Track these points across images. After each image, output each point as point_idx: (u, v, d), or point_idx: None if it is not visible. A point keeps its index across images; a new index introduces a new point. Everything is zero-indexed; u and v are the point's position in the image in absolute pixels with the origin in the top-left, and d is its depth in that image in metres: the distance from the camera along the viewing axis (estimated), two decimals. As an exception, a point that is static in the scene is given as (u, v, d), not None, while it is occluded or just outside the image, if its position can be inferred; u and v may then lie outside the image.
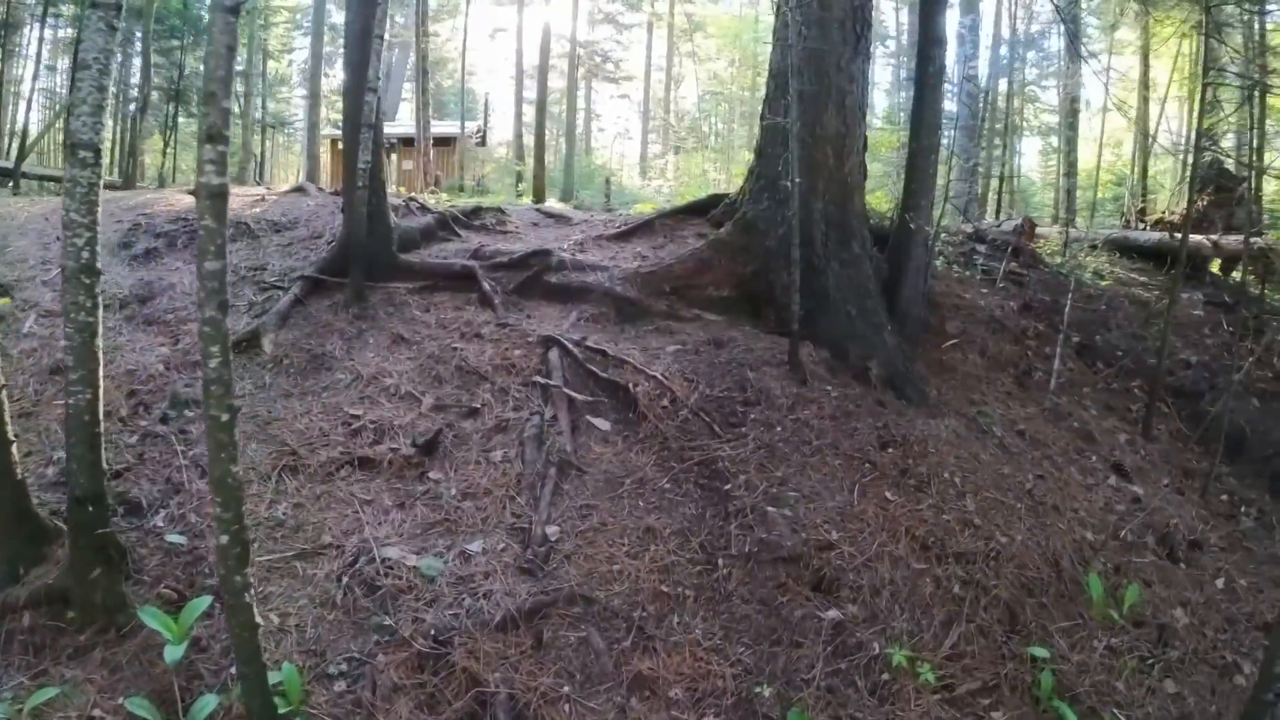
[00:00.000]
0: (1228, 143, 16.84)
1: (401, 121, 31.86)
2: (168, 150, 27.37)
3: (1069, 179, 23.56)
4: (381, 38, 8.99)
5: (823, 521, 5.79)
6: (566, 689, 4.60)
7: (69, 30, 25.56)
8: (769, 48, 10.24)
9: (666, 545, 5.59)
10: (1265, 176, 13.08)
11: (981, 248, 12.16)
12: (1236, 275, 12.57)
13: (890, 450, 6.70)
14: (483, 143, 35.32)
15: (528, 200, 21.62)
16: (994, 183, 23.04)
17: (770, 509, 5.83)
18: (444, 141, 29.40)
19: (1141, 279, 12.32)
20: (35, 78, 23.92)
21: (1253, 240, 11.17)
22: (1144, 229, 14.88)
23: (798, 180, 7.49)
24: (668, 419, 6.72)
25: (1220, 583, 6.67)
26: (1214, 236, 12.16)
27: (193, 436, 6.49)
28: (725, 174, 29.39)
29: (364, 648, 4.76)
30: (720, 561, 5.52)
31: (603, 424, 6.75)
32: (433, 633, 4.78)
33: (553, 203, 20.39)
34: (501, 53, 44.80)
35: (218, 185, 2.98)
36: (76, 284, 4.67)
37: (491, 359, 7.52)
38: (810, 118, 8.45)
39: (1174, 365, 9.72)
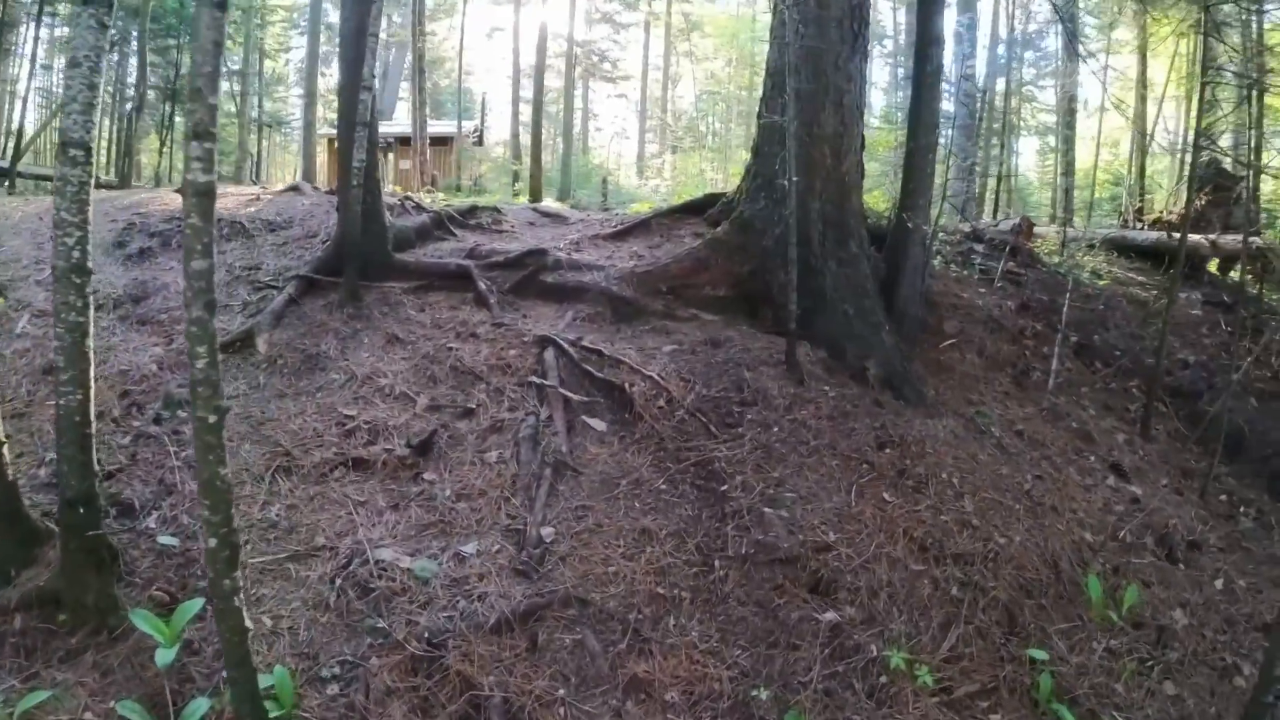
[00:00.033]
0: (1225, 142, 16.79)
1: (398, 121, 31.82)
2: (164, 149, 27.31)
3: (1066, 178, 23.53)
4: (376, 36, 8.94)
5: (820, 523, 5.76)
6: (561, 692, 4.56)
7: (65, 29, 25.50)
8: (766, 47, 10.20)
9: (662, 547, 5.56)
10: (1263, 176, 13.04)
11: (979, 247, 12.12)
12: (1234, 275, 12.54)
13: (888, 451, 6.66)
14: (480, 142, 35.28)
15: (524, 200, 21.59)
16: (991, 182, 23.02)
17: (767, 510, 5.79)
18: (441, 141, 29.33)
19: (1139, 278, 12.29)
20: (31, 76, 23.84)
21: (1251, 240, 11.14)
22: (1142, 228, 14.86)
23: (795, 179, 7.45)
24: (664, 419, 6.69)
25: (1219, 583, 6.63)
26: (1212, 236, 12.14)
27: (185, 437, 6.43)
28: (722, 173, 29.36)
29: (357, 650, 4.72)
30: (717, 563, 5.48)
31: (598, 424, 6.71)
32: (426, 635, 4.74)
33: (549, 202, 20.36)
34: (499, 52, 44.99)
35: (205, 183, 2.94)
36: (67, 284, 4.63)
37: (487, 359, 7.48)
38: (807, 116, 8.41)
39: (1172, 365, 9.70)
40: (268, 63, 38.54)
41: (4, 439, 4.99)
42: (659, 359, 7.46)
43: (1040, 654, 5.20)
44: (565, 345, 7.48)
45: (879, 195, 14.74)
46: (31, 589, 4.76)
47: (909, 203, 9.04)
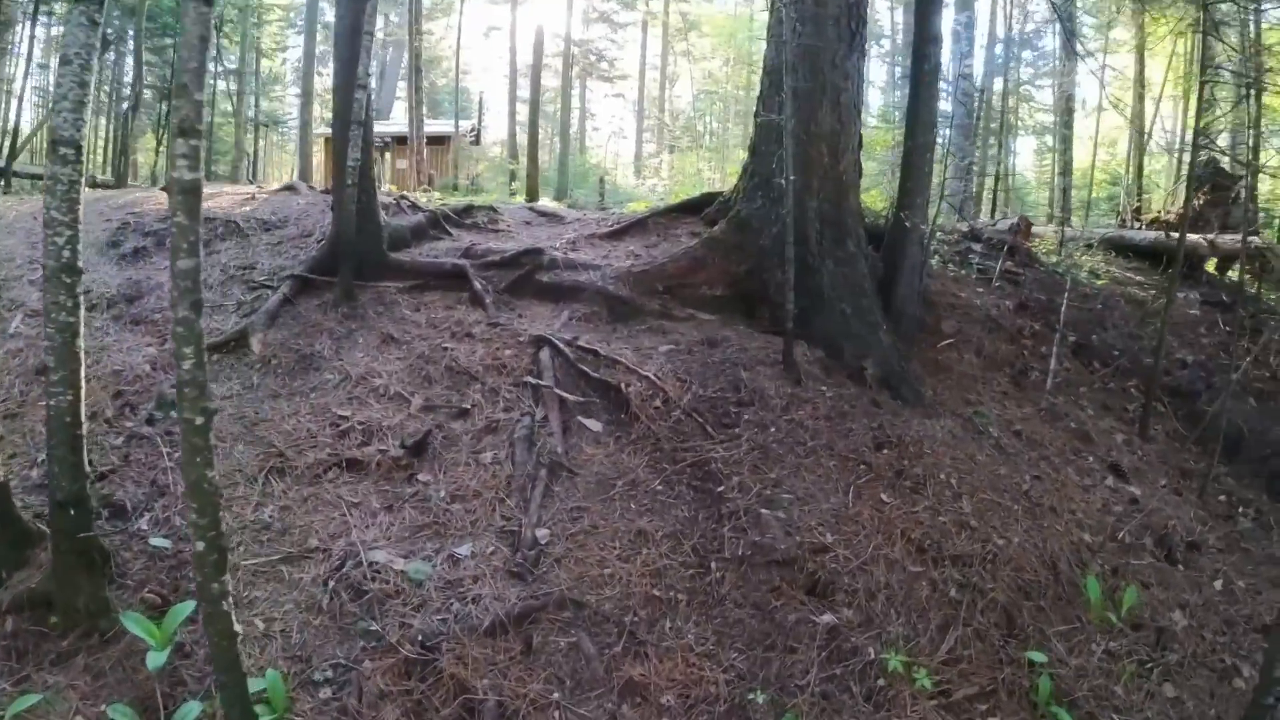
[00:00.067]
0: (1222, 142, 16.78)
1: (396, 120, 31.78)
2: (160, 149, 27.29)
3: (1064, 178, 23.50)
4: (371, 34, 8.90)
5: (817, 524, 5.72)
6: (556, 695, 4.53)
7: (61, 28, 25.44)
8: (764, 46, 10.16)
9: (658, 548, 5.52)
10: (1260, 175, 13.03)
11: (977, 246, 12.09)
12: (1232, 274, 12.53)
13: (885, 451, 6.63)
14: (477, 141, 35.21)
15: (521, 199, 21.52)
16: (989, 181, 23.00)
17: (764, 511, 5.75)
18: (438, 140, 29.28)
19: (1138, 278, 12.26)
20: (27, 76, 23.74)
21: (1249, 239, 11.12)
22: (1140, 228, 14.84)
23: (792, 178, 7.41)
24: (660, 420, 6.65)
25: (1219, 584, 6.61)
26: (1210, 235, 12.12)
27: (179, 438, 6.37)
28: (720, 173, 29.28)
29: (350, 654, 4.69)
30: (713, 565, 5.45)
31: (594, 425, 6.67)
32: (420, 638, 4.71)
33: (546, 201, 20.28)
34: (496, 51, 44.92)
35: (191, 180, 2.89)
36: (57, 283, 4.59)
37: (482, 359, 7.44)
38: (805, 115, 8.39)
39: (1170, 365, 9.68)
40: (264, 62, 38.52)
41: (-4, 440, 4.95)
42: (655, 359, 7.42)
43: (1039, 656, 5.17)
44: (561, 345, 7.44)
45: (876, 194, 14.71)
46: (23, 591, 4.74)
47: (907, 202, 9.01)
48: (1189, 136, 11.88)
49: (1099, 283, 11.71)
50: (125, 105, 24.18)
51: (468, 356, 7.47)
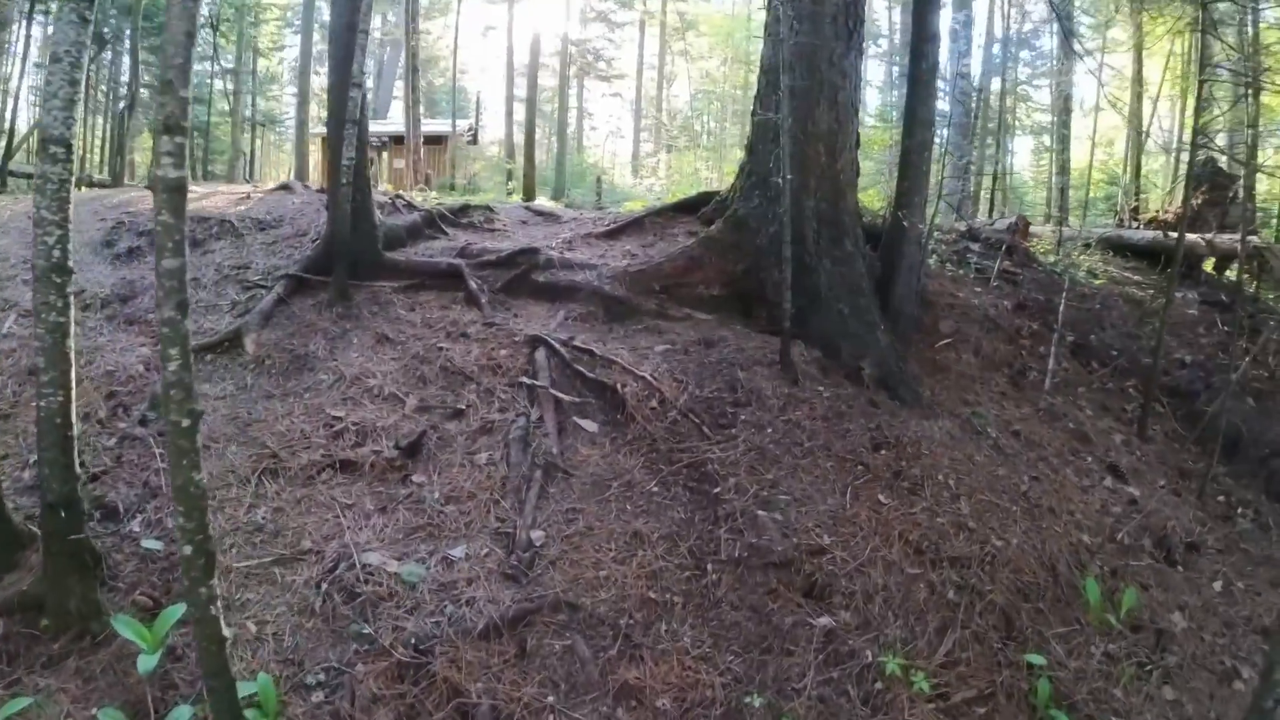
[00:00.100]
0: (1220, 141, 16.76)
1: (393, 120, 31.75)
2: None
3: (1062, 177, 23.51)
4: (366, 32, 8.83)
5: (814, 525, 5.68)
6: (551, 699, 4.49)
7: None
8: (761, 45, 10.13)
9: (654, 550, 5.47)
10: (1258, 174, 13.01)
11: (975, 246, 12.06)
12: (1230, 274, 12.51)
13: (883, 452, 6.59)
14: (474, 141, 35.19)
15: (518, 198, 21.50)
16: (987, 181, 22.98)
17: (761, 513, 5.72)
18: (435, 140, 29.26)
19: (1136, 278, 12.24)
20: (23, 75, 23.68)
21: (1248, 238, 11.09)
22: (1138, 228, 14.80)
23: (789, 177, 7.37)
24: (656, 420, 6.61)
25: (1218, 586, 6.59)
26: (1208, 235, 12.09)
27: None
28: (717, 172, 29.28)
29: (343, 657, 4.63)
30: (709, 567, 5.41)
31: (590, 425, 6.63)
32: (413, 641, 4.66)
33: (543, 201, 20.27)
34: (493, 50, 44.68)
35: (175, 179, 2.85)
36: (47, 283, 4.55)
37: (477, 359, 7.39)
38: (802, 114, 8.35)
39: (1169, 365, 9.65)
40: (262, 61, 38.52)
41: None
42: (652, 359, 7.38)
43: (1038, 659, 5.13)
44: (557, 345, 7.40)
45: (874, 194, 14.70)
46: (14, 594, 4.68)
47: (904, 201, 8.98)
48: (1187, 136, 11.87)
49: (1097, 282, 11.68)
50: (121, 104, 24.17)
51: (463, 356, 7.42)
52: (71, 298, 4.70)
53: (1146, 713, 5.15)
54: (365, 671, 4.51)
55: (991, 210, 21.11)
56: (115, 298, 8.70)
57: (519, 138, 30.40)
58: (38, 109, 28.92)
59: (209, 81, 33.75)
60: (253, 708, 4.11)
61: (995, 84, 23.78)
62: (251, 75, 36.37)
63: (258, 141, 39.45)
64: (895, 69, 34.03)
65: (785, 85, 7.55)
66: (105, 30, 24.89)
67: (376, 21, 37.19)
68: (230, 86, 33.66)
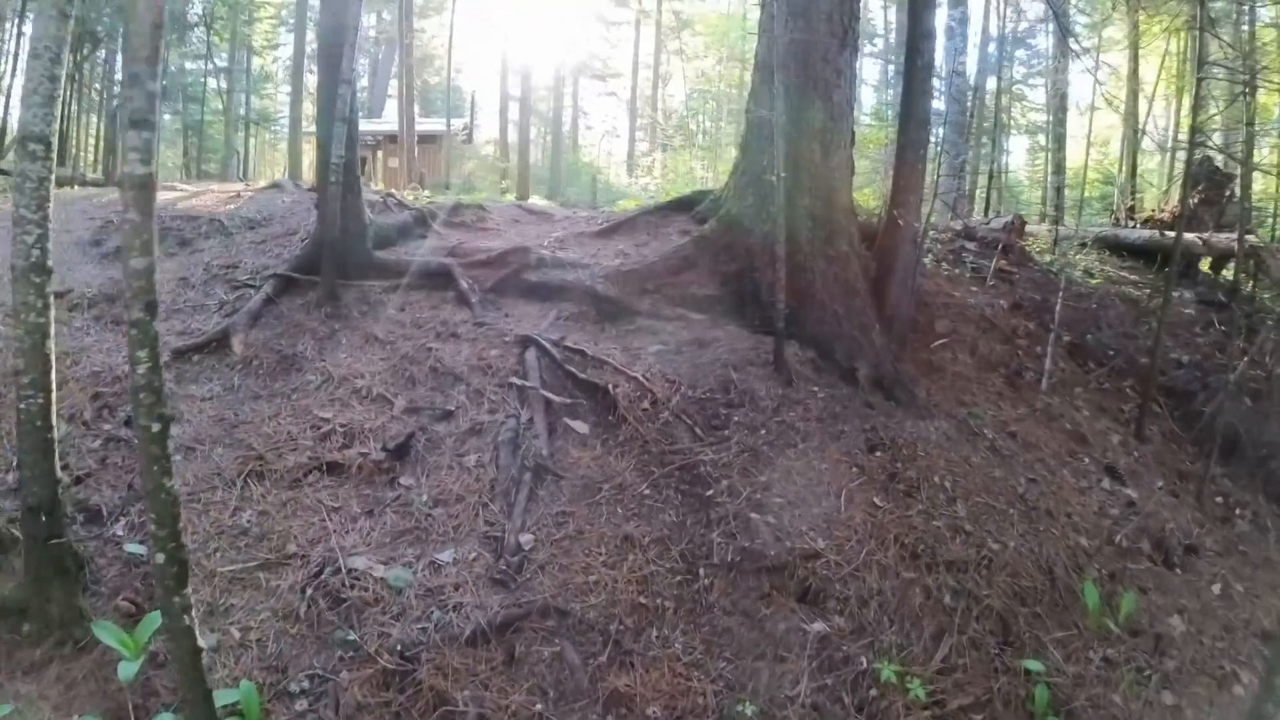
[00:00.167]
0: (1216, 140, 16.74)
1: (388, 119, 31.72)
2: (151, 147, 27.11)
3: (1057, 177, 23.52)
4: (356, 29, 8.75)
5: (808, 529, 5.60)
6: (539, 707, 4.41)
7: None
8: (756, 42, 10.06)
9: (645, 554, 5.39)
10: (1254, 173, 12.96)
11: (971, 245, 12.00)
12: (1227, 273, 12.47)
13: (878, 453, 6.52)
14: (469, 140, 35.17)
15: (512, 197, 21.43)
16: (982, 180, 22.95)
17: (754, 516, 5.64)
18: (430, 139, 29.22)
19: (1132, 277, 12.20)
20: (14, 74, 23.59)
21: (1244, 238, 11.06)
22: (1134, 227, 14.76)
23: (783, 175, 7.30)
24: (648, 421, 6.51)
25: (1217, 588, 6.54)
26: (1205, 234, 12.04)
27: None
28: (712, 172, 29.24)
29: (327, 664, 4.55)
30: (701, 571, 5.32)
31: (581, 427, 6.55)
32: (399, 648, 4.58)
33: (536, 200, 20.22)
34: (489, 49, 44.66)
35: (142, 175, 2.76)
36: (26, 283, 4.49)
37: (467, 359, 7.31)
38: (796, 111, 8.25)
39: (1166, 365, 9.58)
40: (256, 60, 38.45)
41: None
42: (644, 359, 7.29)
43: (1035, 665, 5.06)
44: (548, 345, 7.31)
45: (869, 193, 14.61)
46: (-5, 599, 4.61)
47: (900, 200, 8.91)
48: (1183, 135, 11.82)
49: (1093, 282, 11.65)
50: (115, 103, 24.07)
51: (452, 357, 7.34)
52: (51, 298, 4.64)
53: (1146, 719, 5.08)
54: (350, 679, 4.44)
55: (987, 209, 21.07)
56: (103, 297, 8.60)
57: (514, 137, 30.38)
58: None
59: (202, 81, 33.74)
60: (234, 716, 4.04)
61: (991, 83, 23.76)
62: (246, 74, 36.32)
63: (252, 140, 39.40)
64: (890, 67, 33.99)
65: (779, 83, 7.47)
66: (99, 29, 24.79)
67: (371, 20, 37.22)
68: (224, 85, 33.61)
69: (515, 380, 6.95)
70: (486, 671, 4.52)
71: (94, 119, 28.01)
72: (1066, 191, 22.91)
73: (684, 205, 11.30)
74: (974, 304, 9.89)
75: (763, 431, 6.49)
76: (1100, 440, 8.21)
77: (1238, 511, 7.87)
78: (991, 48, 23.96)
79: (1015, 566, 5.72)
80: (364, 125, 28.93)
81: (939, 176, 11.08)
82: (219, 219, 10.95)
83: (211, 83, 33.96)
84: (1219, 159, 12.70)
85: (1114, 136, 26.62)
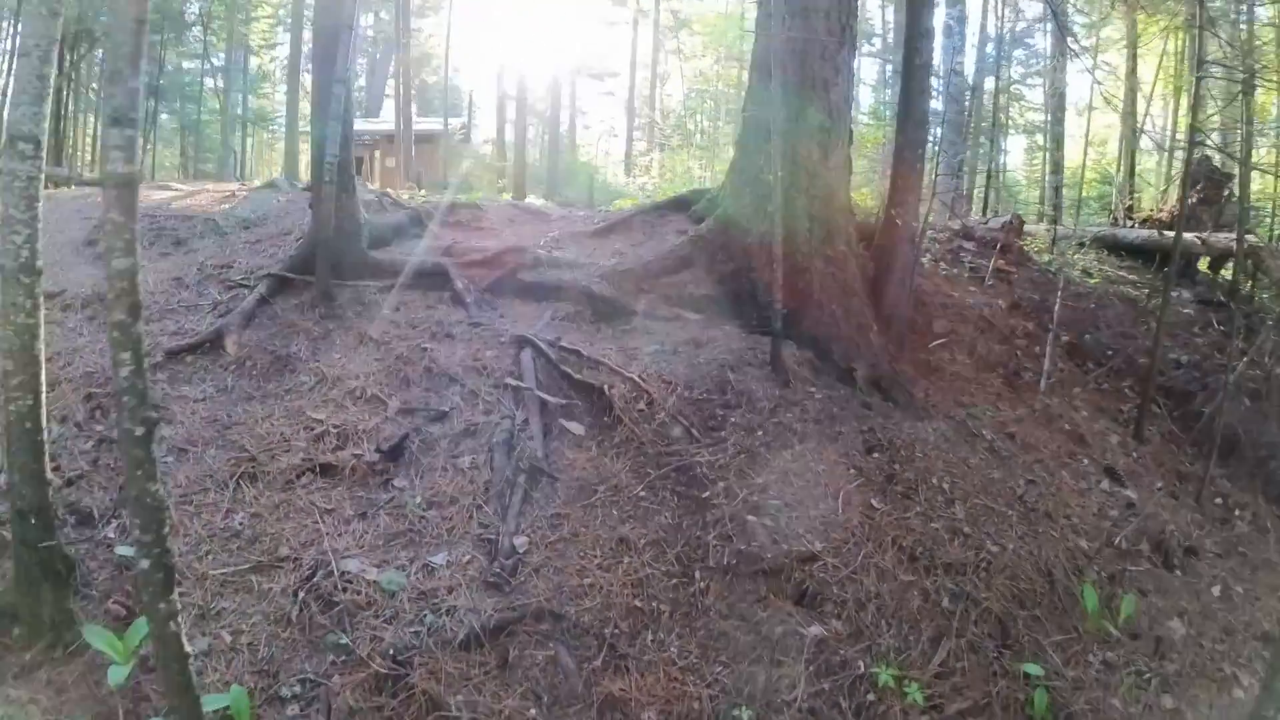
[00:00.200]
0: (1214, 139, 16.71)
1: (385, 118, 31.64)
2: (148, 147, 27.18)
3: (1055, 176, 23.50)
4: (351, 28, 8.70)
5: (805, 531, 5.56)
6: (533, 712, 4.37)
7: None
8: (753, 41, 10.02)
9: (641, 557, 5.34)
10: (1252, 173, 12.91)
11: (969, 245, 11.97)
12: (1225, 273, 12.44)
13: (876, 455, 6.48)
14: (467, 139, 35.08)
15: (508, 196, 21.37)
16: (980, 179, 22.93)
17: (750, 518, 5.60)
18: (427, 138, 29.14)
19: (1131, 277, 12.17)
20: (9, 73, 23.51)
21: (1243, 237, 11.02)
22: (1132, 226, 14.73)
23: (780, 174, 7.27)
24: (644, 422, 6.48)
25: (1216, 590, 6.50)
26: (1203, 234, 12.01)
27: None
28: (710, 171, 29.15)
29: (319, 668, 4.50)
30: (697, 574, 5.28)
31: (576, 428, 6.50)
32: (391, 652, 4.52)
33: (532, 199, 20.14)
34: (487, 49, 44.58)
35: (125, 174, 2.71)
36: (15, 284, 4.42)
37: (462, 360, 7.26)
38: (793, 110, 8.22)
39: (1164, 365, 9.55)
40: (254, 59, 38.37)
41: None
42: (640, 360, 7.25)
43: (1035, 669, 5.01)
44: (543, 346, 7.27)
45: (867, 193, 14.59)
46: (-15, 602, 4.56)
47: (897, 199, 8.89)
48: (1180, 134, 11.79)
49: (1092, 281, 11.62)
50: (110, 103, 23.98)
51: (447, 357, 7.29)
52: (41, 298, 4.57)
53: (1145, 723, 5.05)
54: (342, 683, 4.38)
55: (985, 209, 21.05)
56: (96, 298, 8.52)
57: (511, 136, 30.32)
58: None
59: (199, 80, 33.70)
60: (225, 720, 3.99)
61: (989, 82, 23.73)
62: (243, 73, 36.25)
63: (249, 140, 39.35)
64: (888, 67, 33.92)
65: (777, 81, 7.44)
66: (95, 28, 24.72)
67: (369, 19, 37.15)
68: (221, 84, 33.55)
69: (510, 381, 6.90)
70: (480, 676, 4.47)
71: (90, 119, 27.93)
72: (1065, 191, 22.89)
73: (681, 205, 11.26)
74: (972, 304, 9.86)
75: (759, 432, 6.45)
76: (1099, 441, 8.18)
77: (1237, 513, 7.84)
78: (989, 47, 23.95)
79: (1014, 569, 5.68)
80: (361, 125, 28.91)
81: (937, 176, 11.04)
82: (214, 219, 10.90)
83: (209, 82, 33.92)
84: (1217, 158, 12.68)
85: (1112, 136, 26.61)
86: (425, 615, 4.77)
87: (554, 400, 6.70)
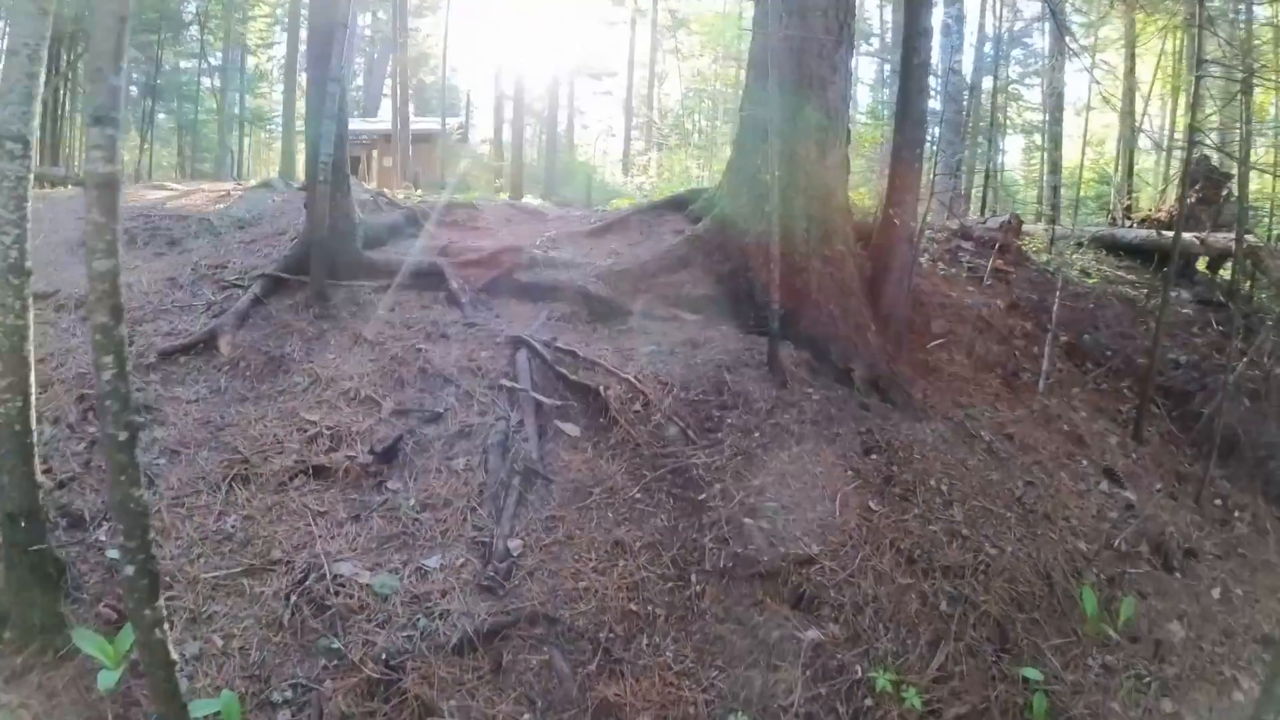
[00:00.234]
0: (1213, 139, 16.68)
1: (383, 118, 31.62)
2: (145, 146, 27.20)
3: (1053, 176, 23.48)
4: (345, 26, 8.66)
5: (802, 534, 5.51)
6: (527, 717, 4.33)
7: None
8: (751, 40, 9.98)
9: (636, 560, 5.30)
10: (1251, 172, 12.87)
11: (967, 245, 11.92)
12: (1224, 273, 12.41)
13: (874, 456, 6.43)
14: (465, 139, 35.06)
15: (505, 196, 21.35)
16: (979, 179, 22.90)
17: (747, 520, 5.55)
18: (425, 138, 29.13)
19: (1129, 277, 12.14)
20: None
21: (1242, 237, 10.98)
22: (1131, 226, 14.70)
23: (777, 174, 7.21)
24: (640, 424, 6.43)
25: (1216, 592, 6.46)
26: (1202, 234, 11.97)
27: (142, 444, 6.11)
28: (708, 171, 29.18)
29: (311, 673, 4.45)
30: (693, 577, 5.23)
31: (571, 429, 6.45)
32: (384, 656, 4.48)
33: (529, 199, 20.11)
34: (485, 48, 44.53)
35: (106, 174, 2.66)
36: (4, 285, 4.36)
37: (457, 360, 7.21)
38: (791, 109, 8.17)
39: (1163, 365, 9.51)
40: (250, 59, 38.32)
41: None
42: (636, 360, 7.21)
43: (1033, 673, 4.96)
44: (538, 346, 7.22)
45: (865, 193, 14.55)
46: (-26, 607, 4.51)
47: (895, 199, 8.84)
48: (1179, 134, 11.75)
49: (1090, 281, 11.59)
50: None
51: (442, 358, 7.24)
52: (30, 299, 4.51)
53: (1145, 727, 5.01)
54: (334, 688, 4.34)
55: (983, 209, 21.02)
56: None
57: (509, 136, 30.27)
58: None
59: (197, 79, 33.68)
60: (215, 726, 3.95)
61: (987, 82, 23.69)
62: (240, 72, 36.22)
63: (247, 139, 39.32)
64: (886, 66, 33.91)
65: (774, 80, 7.38)
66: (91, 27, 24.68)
67: (367, 19, 37.14)
68: (218, 84, 33.52)
69: (505, 382, 6.86)
70: (473, 680, 4.43)
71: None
72: (1063, 191, 22.86)
73: (678, 204, 11.24)
74: (971, 304, 9.81)
75: (756, 434, 6.40)
76: (1098, 442, 8.13)
77: (1236, 514, 7.79)
78: (988, 46, 23.91)
79: (1013, 571, 5.63)
80: (359, 124, 28.94)
81: (935, 175, 11.03)
82: (208, 218, 10.87)
83: (206, 81, 33.89)
84: (1216, 158, 12.65)
85: (1110, 136, 26.57)
86: (418, 619, 4.72)
87: (549, 401, 6.65)
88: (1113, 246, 13.29)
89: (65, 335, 7.71)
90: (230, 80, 34.93)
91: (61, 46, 23.41)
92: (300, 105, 27.70)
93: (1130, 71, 22.33)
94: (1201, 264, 12.72)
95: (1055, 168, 23.62)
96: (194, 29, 31.54)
